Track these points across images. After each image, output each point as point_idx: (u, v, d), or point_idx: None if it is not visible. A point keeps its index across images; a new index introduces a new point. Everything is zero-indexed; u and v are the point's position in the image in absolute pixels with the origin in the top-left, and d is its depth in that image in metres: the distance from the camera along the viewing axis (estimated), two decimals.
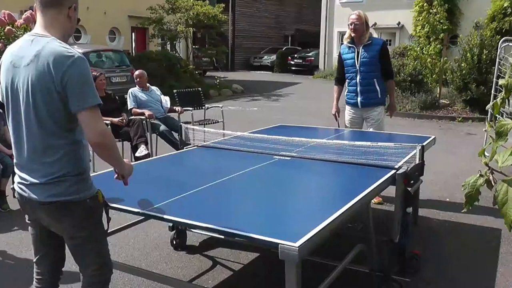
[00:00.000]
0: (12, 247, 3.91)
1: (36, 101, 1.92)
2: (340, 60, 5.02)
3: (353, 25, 4.73)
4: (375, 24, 20.38)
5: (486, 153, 2.52)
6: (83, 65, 1.90)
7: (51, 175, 1.99)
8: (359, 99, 4.87)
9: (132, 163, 2.37)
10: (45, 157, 1.98)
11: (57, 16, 1.98)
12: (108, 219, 2.26)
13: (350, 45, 4.87)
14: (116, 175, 2.26)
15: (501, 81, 2.25)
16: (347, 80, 4.97)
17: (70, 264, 2.33)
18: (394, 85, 5.17)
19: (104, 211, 2.22)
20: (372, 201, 4.78)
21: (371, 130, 4.93)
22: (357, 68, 4.81)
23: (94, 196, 2.11)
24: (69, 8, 1.99)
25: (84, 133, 1.97)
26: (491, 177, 2.17)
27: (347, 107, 5.05)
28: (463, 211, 2.47)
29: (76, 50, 1.95)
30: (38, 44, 1.92)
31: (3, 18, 4.90)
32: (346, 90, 5.02)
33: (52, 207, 2.01)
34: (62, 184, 2.00)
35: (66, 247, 2.23)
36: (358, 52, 4.79)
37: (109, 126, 6.19)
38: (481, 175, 2.20)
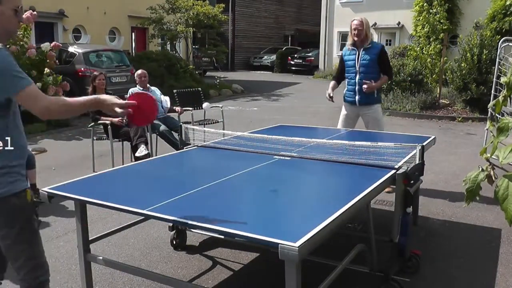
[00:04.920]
0: None
1: None
2: (341, 61, 5.35)
3: (356, 30, 5.04)
4: (375, 24, 20.39)
5: (487, 153, 2.52)
6: (3, 52, 1.92)
7: None
8: (357, 97, 5.18)
9: (132, 163, 2.37)
10: None
11: None
12: (38, 222, 2.19)
13: (352, 47, 5.18)
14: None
15: (503, 79, 2.25)
16: (347, 80, 5.28)
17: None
18: (387, 80, 5.39)
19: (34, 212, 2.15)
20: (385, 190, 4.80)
21: (369, 127, 5.21)
22: (357, 69, 5.14)
23: (21, 193, 2.05)
24: None
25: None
26: (492, 173, 2.17)
27: (344, 104, 5.36)
28: (464, 205, 2.47)
29: None
30: None
31: None
32: (345, 89, 5.32)
33: None
34: None
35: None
36: (358, 54, 5.11)
37: (109, 126, 6.21)
38: (482, 170, 2.20)
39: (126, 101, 2.20)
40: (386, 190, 4.82)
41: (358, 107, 5.19)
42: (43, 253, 2.19)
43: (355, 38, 5.08)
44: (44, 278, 2.19)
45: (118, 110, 2.14)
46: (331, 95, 5.28)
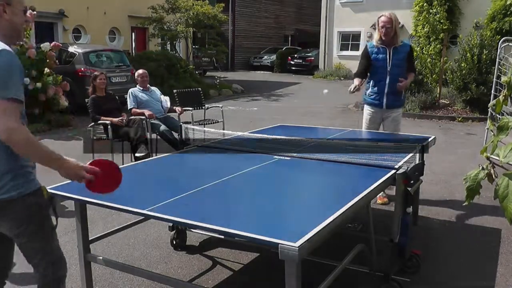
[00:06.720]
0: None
1: None
2: (367, 57, 4.85)
3: (384, 28, 4.68)
4: (375, 24, 20.36)
5: (487, 152, 2.53)
6: (8, 57, 1.89)
7: None
8: (385, 100, 4.82)
9: (132, 163, 2.37)
10: None
11: None
12: (56, 216, 2.20)
13: (381, 45, 4.77)
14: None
15: (503, 79, 2.25)
16: (372, 81, 4.89)
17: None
18: (414, 76, 5.13)
19: (51, 208, 2.17)
20: (378, 201, 4.80)
21: (387, 128, 4.93)
22: (388, 70, 4.75)
23: (35, 192, 2.07)
24: None
25: None
26: (492, 171, 2.17)
27: (368, 107, 4.98)
28: (464, 204, 2.46)
29: (4, 45, 1.92)
30: None
31: None
32: (369, 89, 4.93)
33: None
34: None
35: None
36: (389, 54, 4.74)
37: (109, 126, 6.21)
38: (482, 169, 2.20)
39: (89, 166, 2.10)
40: (380, 201, 4.81)
41: (384, 109, 4.87)
42: (59, 248, 2.22)
43: (384, 37, 4.71)
44: (62, 274, 2.21)
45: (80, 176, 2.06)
46: (357, 87, 4.68)
